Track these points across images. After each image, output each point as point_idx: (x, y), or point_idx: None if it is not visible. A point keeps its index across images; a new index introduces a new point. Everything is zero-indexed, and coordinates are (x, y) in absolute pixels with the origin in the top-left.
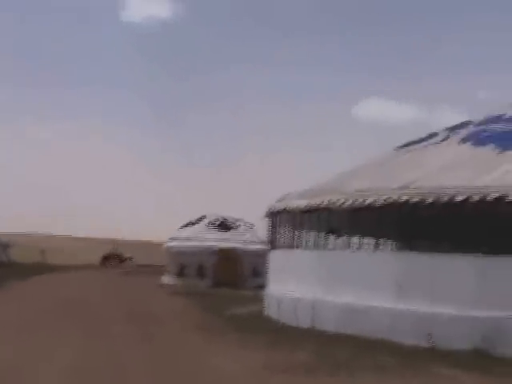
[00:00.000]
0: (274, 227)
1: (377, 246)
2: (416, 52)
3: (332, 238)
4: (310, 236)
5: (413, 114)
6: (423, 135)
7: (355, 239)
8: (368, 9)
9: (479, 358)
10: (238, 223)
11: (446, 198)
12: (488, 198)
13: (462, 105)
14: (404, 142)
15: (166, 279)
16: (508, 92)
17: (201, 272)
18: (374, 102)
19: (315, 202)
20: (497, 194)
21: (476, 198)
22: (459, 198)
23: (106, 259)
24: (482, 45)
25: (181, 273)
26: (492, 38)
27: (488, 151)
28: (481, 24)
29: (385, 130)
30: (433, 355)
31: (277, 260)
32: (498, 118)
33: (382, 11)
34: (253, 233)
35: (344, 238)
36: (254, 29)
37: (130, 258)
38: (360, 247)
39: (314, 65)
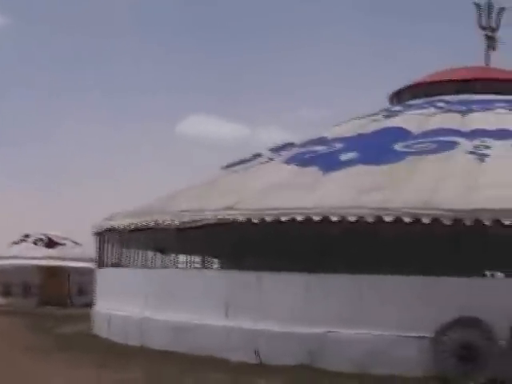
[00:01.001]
0: (101, 245)
1: (205, 264)
2: (240, 69)
3: (160, 257)
4: (138, 255)
5: (239, 132)
6: (248, 155)
7: (183, 258)
8: (194, 23)
9: (305, 373)
10: (64, 241)
11: (270, 218)
12: (313, 218)
13: (287, 123)
14: (230, 161)
15: None
16: (332, 110)
17: (26, 291)
18: (199, 119)
19: (142, 221)
20: (320, 215)
21: (300, 218)
22: (284, 219)
23: None
24: (304, 62)
25: (6, 292)
26: (311, 53)
27: (311, 172)
28: (304, 40)
29: (211, 148)
30: (260, 371)
31: (105, 278)
32: (320, 140)
33: (207, 28)
34: (80, 250)
35: (172, 257)
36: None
37: None
38: (188, 266)
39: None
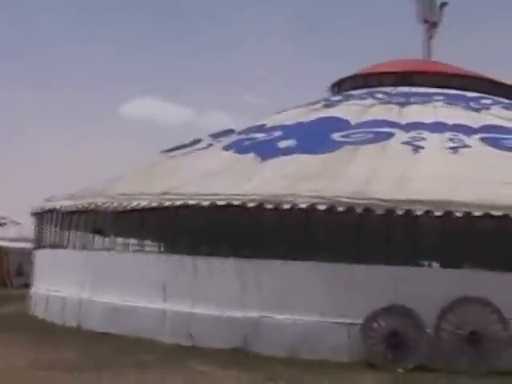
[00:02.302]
0: (40, 226)
1: (142, 248)
2: (187, 53)
3: (98, 239)
4: (77, 236)
5: (184, 116)
6: (188, 140)
7: (120, 241)
8: (139, 8)
9: (238, 356)
10: (3, 221)
11: (206, 204)
12: (248, 205)
13: (230, 108)
14: (174, 144)
15: None
16: (274, 96)
17: None
18: (145, 102)
19: (82, 203)
20: (255, 202)
21: (236, 204)
22: (220, 204)
23: None
24: (250, 48)
25: None
26: (260, 40)
27: (249, 159)
28: (249, 26)
29: (155, 130)
30: (194, 354)
31: (44, 259)
32: (259, 128)
33: (152, 10)
34: (19, 231)
35: (109, 240)
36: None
37: None
38: (125, 249)
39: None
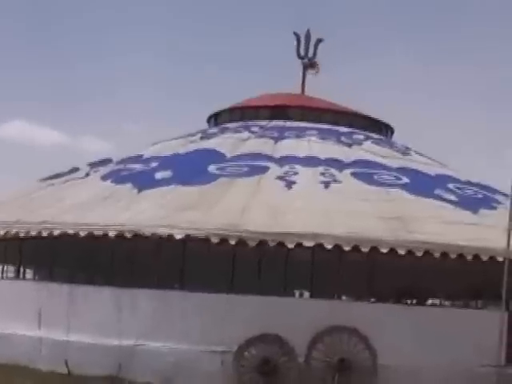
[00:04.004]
0: None
1: (19, 275)
2: (64, 76)
3: None
4: None
5: (60, 140)
6: (66, 169)
7: None
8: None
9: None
10: None
11: (84, 233)
12: (125, 235)
13: (109, 136)
14: (49, 168)
15: None
16: (154, 124)
17: None
18: (20, 124)
19: None
20: (132, 232)
21: (112, 234)
22: (97, 234)
23: None
24: (129, 73)
25: None
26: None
27: (126, 190)
28: (128, 53)
29: (31, 154)
30: (69, 381)
31: None
32: (136, 158)
33: (32, 32)
34: None
35: None
36: None
37: None
38: (2, 276)
39: None
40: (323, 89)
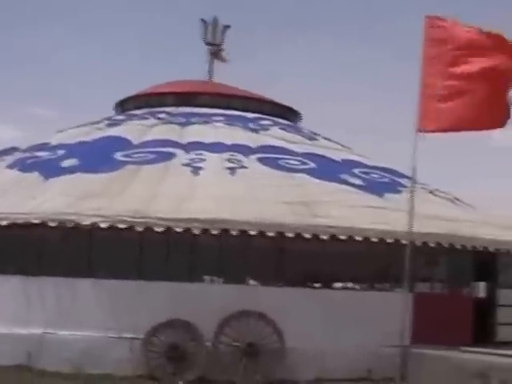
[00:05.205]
0: None
1: None
2: None
3: None
4: None
5: None
6: None
7: None
8: None
9: (22, 373)
10: None
11: None
12: (32, 223)
13: (17, 120)
14: None
15: None
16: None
17: None
18: None
19: None
20: (39, 220)
21: (20, 222)
22: (4, 223)
23: None
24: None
25: None
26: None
27: (33, 178)
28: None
29: None
30: None
31: None
32: (42, 146)
33: None
34: None
35: None
36: None
37: None
38: None
39: None
40: (233, 76)
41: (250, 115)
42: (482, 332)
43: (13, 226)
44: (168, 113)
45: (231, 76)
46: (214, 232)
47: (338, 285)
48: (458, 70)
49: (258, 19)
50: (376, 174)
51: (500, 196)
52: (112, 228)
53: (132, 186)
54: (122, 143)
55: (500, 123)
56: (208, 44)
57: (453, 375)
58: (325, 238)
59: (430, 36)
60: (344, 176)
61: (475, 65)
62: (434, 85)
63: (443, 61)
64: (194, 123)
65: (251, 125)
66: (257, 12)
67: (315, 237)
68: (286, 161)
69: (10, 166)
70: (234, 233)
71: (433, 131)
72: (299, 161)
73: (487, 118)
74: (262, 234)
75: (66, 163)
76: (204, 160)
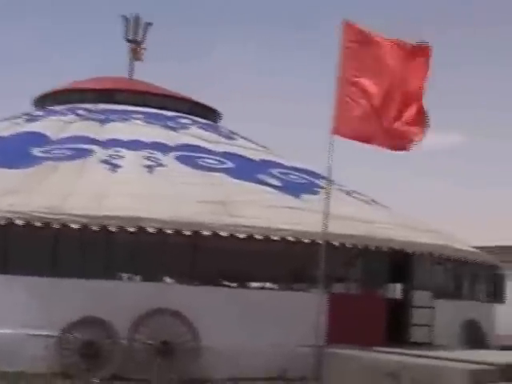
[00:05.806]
0: None
1: None
2: None
3: None
4: None
5: None
6: None
7: None
8: None
9: None
10: None
11: None
12: None
13: None
14: None
15: None
16: None
17: None
18: None
19: None
20: None
21: None
22: None
23: None
24: None
25: None
26: None
27: None
28: None
29: None
30: None
31: None
32: None
33: None
34: None
35: None
36: None
37: None
38: None
39: None
40: (157, 75)
41: (169, 113)
42: (397, 333)
43: None
44: (87, 109)
45: (156, 74)
46: (131, 230)
47: (255, 284)
48: (367, 83)
49: (187, 17)
50: (294, 174)
51: (422, 197)
52: (27, 225)
53: (48, 182)
54: (40, 139)
55: (404, 146)
56: (129, 41)
57: (366, 375)
58: (241, 237)
59: (346, 40)
60: (262, 176)
61: (384, 82)
62: (347, 91)
63: (355, 69)
64: (112, 120)
65: (170, 123)
66: (186, 10)
67: (232, 236)
68: (205, 160)
69: None
70: (150, 231)
71: (345, 136)
72: (217, 160)
73: (391, 138)
74: (178, 232)
75: None
76: (122, 157)
